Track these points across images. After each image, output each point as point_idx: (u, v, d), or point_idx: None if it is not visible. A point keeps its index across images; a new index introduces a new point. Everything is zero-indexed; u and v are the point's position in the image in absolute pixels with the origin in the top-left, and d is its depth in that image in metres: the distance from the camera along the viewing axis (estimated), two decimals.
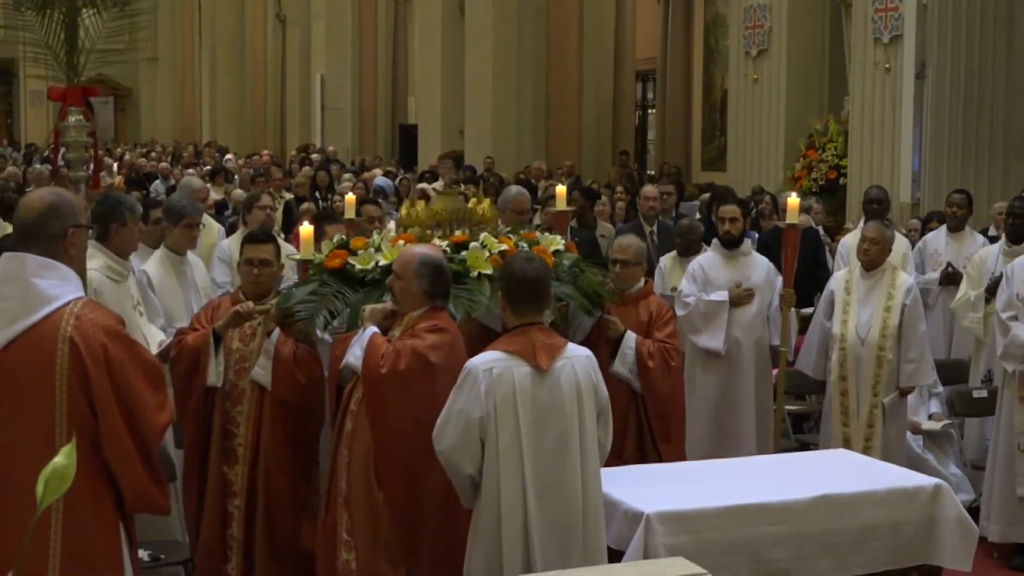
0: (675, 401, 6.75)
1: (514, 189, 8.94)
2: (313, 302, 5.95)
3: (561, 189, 8.04)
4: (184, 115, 41.75)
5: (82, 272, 4.22)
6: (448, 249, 6.10)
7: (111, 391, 4.04)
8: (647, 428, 6.62)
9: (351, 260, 6.15)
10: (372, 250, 6.19)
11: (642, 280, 6.93)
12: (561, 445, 4.95)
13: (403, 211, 6.67)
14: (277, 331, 5.96)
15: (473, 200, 6.72)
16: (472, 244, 6.18)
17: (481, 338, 6.10)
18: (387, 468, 5.38)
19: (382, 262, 6.05)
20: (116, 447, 4.06)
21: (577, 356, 5.07)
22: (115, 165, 22.42)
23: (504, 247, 6.23)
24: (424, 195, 14.77)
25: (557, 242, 6.67)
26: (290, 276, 6.78)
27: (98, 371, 4.02)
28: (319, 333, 6.08)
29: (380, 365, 5.35)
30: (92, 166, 7.58)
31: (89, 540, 4.07)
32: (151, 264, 7.07)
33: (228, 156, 25.52)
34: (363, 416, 5.46)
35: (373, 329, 5.51)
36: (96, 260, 6.14)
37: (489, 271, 6.04)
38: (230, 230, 11.20)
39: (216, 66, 38.32)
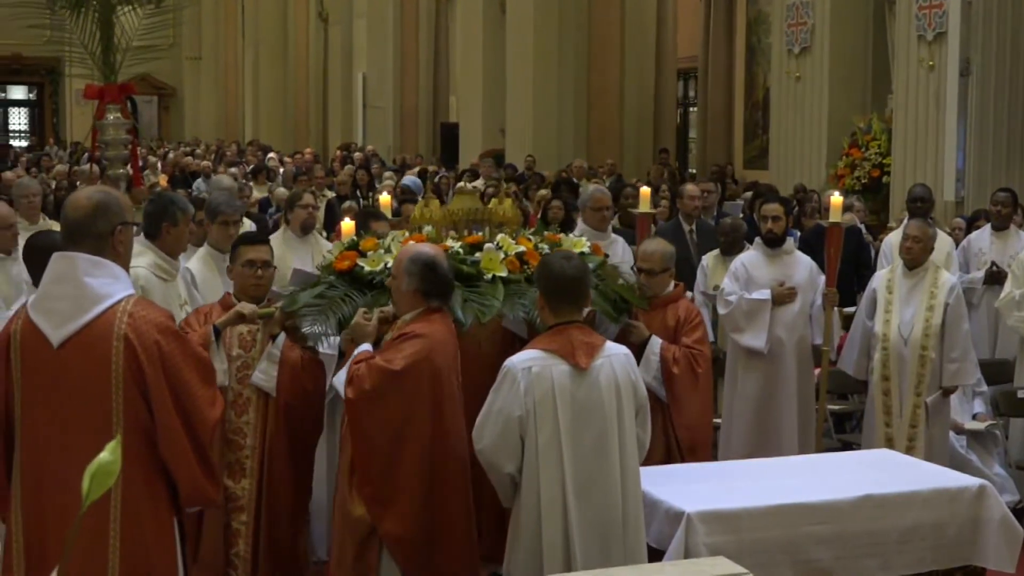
0: (702, 409, 6.47)
1: (592, 187, 9.08)
2: (319, 306, 5.65)
3: (645, 190, 7.95)
4: (227, 113, 42.00)
5: (128, 268, 4.25)
6: (462, 250, 5.89)
7: (166, 388, 4.07)
8: (674, 438, 6.38)
9: (360, 262, 5.89)
10: (382, 251, 5.94)
11: (671, 284, 6.67)
12: (600, 443, 4.95)
13: (416, 211, 6.42)
14: (283, 335, 5.74)
15: (494, 201, 6.49)
16: (487, 245, 5.93)
17: (505, 342, 5.96)
18: (364, 479, 5.22)
19: (391, 263, 5.72)
20: (172, 443, 4.09)
21: (616, 354, 5.08)
22: (159, 164, 22.57)
23: (522, 249, 6.00)
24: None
25: (581, 244, 6.40)
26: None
27: (153, 368, 4.04)
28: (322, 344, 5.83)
29: (349, 390, 5.18)
30: (131, 164, 7.63)
31: (146, 536, 4.10)
32: (194, 262, 7.12)
33: (271, 154, 25.64)
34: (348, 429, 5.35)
35: (360, 349, 5.33)
36: (145, 258, 6.17)
37: (504, 274, 5.80)
38: (274, 228, 11.27)
39: (259, 65, 38.50)
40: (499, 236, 6.04)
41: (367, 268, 5.84)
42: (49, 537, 4.04)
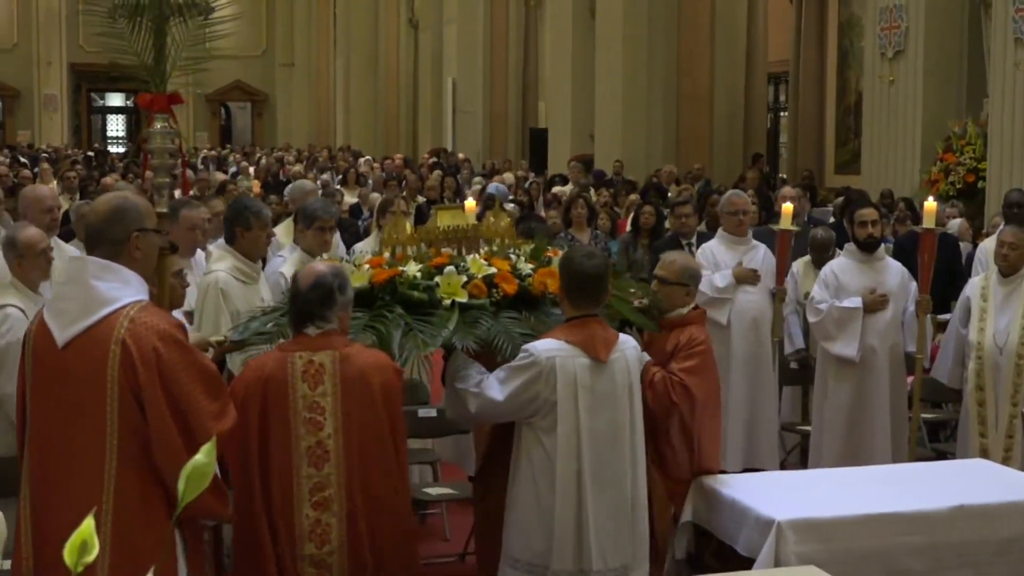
0: (671, 441, 5.68)
1: (729, 191, 9.00)
2: (271, 334, 5.21)
3: (787, 207, 7.85)
4: (319, 119, 42.49)
5: (147, 275, 4.28)
6: (419, 274, 5.35)
7: (162, 395, 4.08)
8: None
9: None
10: None
11: (689, 307, 5.91)
12: (614, 433, 5.16)
13: (386, 232, 5.91)
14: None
15: (488, 215, 6.01)
16: (447, 268, 5.34)
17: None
18: None
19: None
20: (167, 452, 4.08)
21: (628, 347, 5.29)
22: (251, 169, 22.88)
23: (492, 271, 5.40)
24: (556, 199, 14.85)
25: None
26: None
27: (148, 375, 4.07)
28: None
29: None
30: (180, 173, 7.78)
31: (138, 544, 4.09)
32: (288, 266, 7.21)
33: (362, 159, 25.88)
34: None
35: None
36: (225, 262, 6.49)
37: (464, 299, 5.25)
38: (364, 233, 11.40)
39: (350, 71, 38.90)
40: (469, 257, 5.54)
41: None
42: (53, 526, 4.09)
